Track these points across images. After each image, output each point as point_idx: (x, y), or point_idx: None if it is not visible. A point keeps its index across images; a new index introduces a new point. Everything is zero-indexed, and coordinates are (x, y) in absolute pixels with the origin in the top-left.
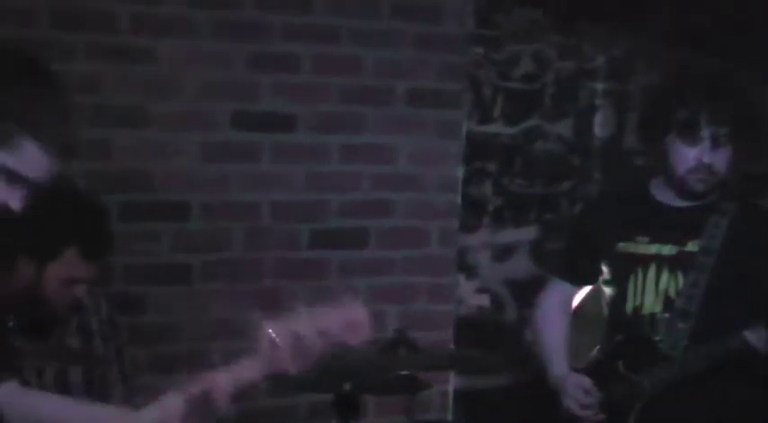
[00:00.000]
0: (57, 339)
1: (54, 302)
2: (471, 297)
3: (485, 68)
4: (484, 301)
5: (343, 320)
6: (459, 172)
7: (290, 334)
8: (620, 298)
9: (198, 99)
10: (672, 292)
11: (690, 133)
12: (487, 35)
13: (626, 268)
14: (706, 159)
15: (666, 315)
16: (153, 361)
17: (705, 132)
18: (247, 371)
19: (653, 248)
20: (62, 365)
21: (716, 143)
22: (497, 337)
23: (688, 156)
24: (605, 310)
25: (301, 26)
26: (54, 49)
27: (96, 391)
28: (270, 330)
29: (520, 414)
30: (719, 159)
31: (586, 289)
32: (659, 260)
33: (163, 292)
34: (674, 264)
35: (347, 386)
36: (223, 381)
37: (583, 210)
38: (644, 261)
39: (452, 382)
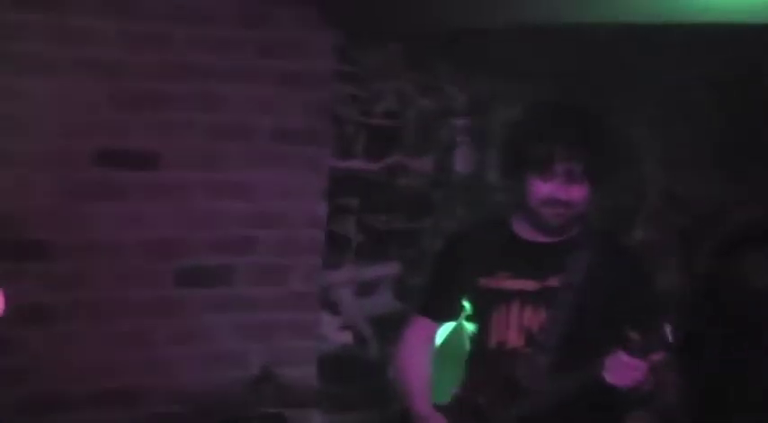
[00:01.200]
0: None
1: None
2: (334, 334)
3: (347, 105)
4: (347, 337)
5: None
6: (323, 208)
7: None
8: (483, 333)
9: (60, 137)
10: (534, 327)
11: (544, 168)
12: (349, 72)
13: (489, 304)
14: (561, 195)
15: (528, 350)
16: (17, 403)
17: (559, 168)
18: None
19: (516, 284)
20: None
21: (570, 178)
22: (361, 374)
23: (542, 190)
24: (467, 346)
25: (164, 63)
26: None
27: None
28: None
29: None
30: (575, 195)
31: (449, 325)
32: (522, 296)
33: (26, 333)
34: (537, 299)
35: None
36: None
37: (444, 245)
38: (507, 296)
39: (316, 420)
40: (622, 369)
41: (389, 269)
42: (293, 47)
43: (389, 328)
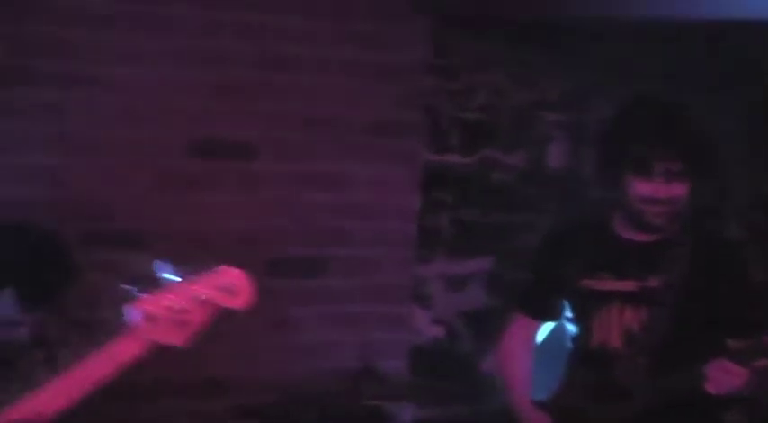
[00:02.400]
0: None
1: None
2: (427, 327)
3: (441, 98)
4: (439, 331)
5: (220, 285)
6: (416, 201)
7: (165, 305)
8: (584, 335)
9: (158, 127)
10: (635, 328)
11: (643, 169)
12: (444, 65)
13: (589, 305)
14: (661, 194)
15: (628, 350)
16: (108, 391)
17: (659, 168)
18: (126, 348)
19: (615, 285)
20: None
21: (670, 178)
22: (452, 368)
23: (643, 190)
24: (568, 345)
25: (259, 54)
26: (14, 75)
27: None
28: (145, 303)
29: None
30: (675, 194)
31: (550, 324)
32: (622, 296)
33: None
34: (637, 299)
35: (310, 417)
36: (101, 362)
37: (544, 243)
38: (607, 298)
39: (409, 412)
40: (723, 376)
41: (481, 264)
42: (387, 39)
43: (481, 323)
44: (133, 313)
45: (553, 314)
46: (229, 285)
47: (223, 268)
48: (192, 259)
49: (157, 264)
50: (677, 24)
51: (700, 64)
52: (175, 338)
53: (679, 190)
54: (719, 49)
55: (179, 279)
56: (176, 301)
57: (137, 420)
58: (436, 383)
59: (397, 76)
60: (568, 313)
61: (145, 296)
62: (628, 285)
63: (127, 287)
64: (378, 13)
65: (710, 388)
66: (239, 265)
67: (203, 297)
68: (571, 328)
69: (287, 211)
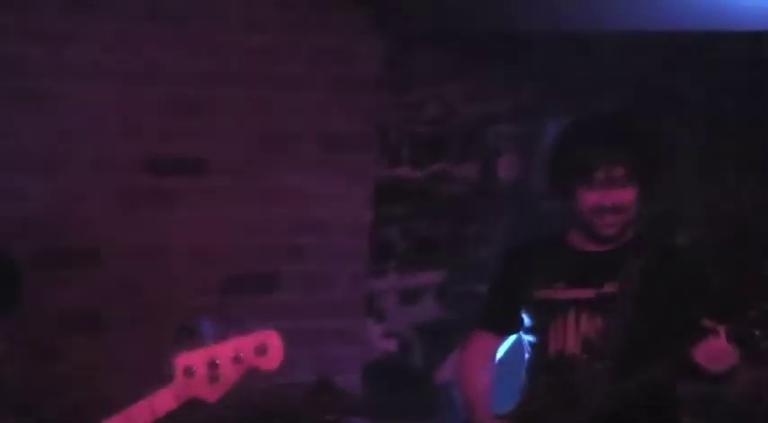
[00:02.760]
0: None
1: None
2: (379, 341)
3: (392, 112)
4: (391, 345)
5: (256, 346)
6: (368, 215)
7: (204, 362)
8: (542, 344)
9: (111, 143)
10: (592, 335)
11: (586, 177)
12: (396, 79)
13: (546, 315)
14: (607, 202)
15: (585, 357)
16: (67, 410)
17: (600, 174)
18: (164, 400)
19: (572, 293)
20: None
21: (612, 184)
22: (405, 382)
23: (589, 200)
24: (526, 356)
25: (213, 70)
26: None
27: None
28: (184, 358)
29: None
30: (621, 200)
31: (511, 338)
32: (578, 304)
33: (76, 340)
34: (594, 306)
35: None
36: (142, 413)
37: (501, 261)
38: (563, 306)
39: None
40: (717, 356)
41: (434, 277)
42: (340, 53)
43: (434, 336)
44: (176, 366)
45: (513, 328)
46: (264, 346)
47: (260, 330)
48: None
49: (201, 320)
50: (631, 38)
51: (655, 77)
52: (209, 395)
53: (625, 196)
54: (674, 62)
55: (218, 337)
56: (215, 358)
57: None
58: (390, 397)
59: (350, 91)
60: (526, 324)
61: (186, 352)
62: (584, 293)
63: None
64: (333, 28)
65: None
66: (195, 281)
67: (239, 356)
68: (529, 338)
69: (241, 226)
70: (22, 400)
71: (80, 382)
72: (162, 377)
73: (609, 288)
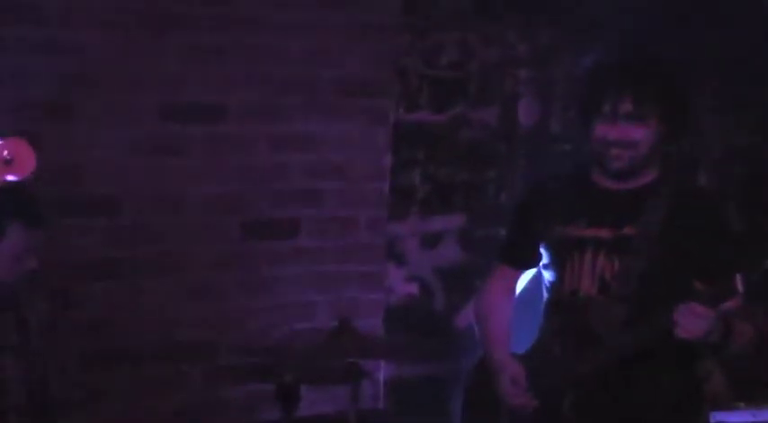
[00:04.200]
0: None
1: (9, 279)
2: (401, 285)
3: (411, 57)
4: (413, 289)
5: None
6: (388, 160)
7: None
8: (557, 281)
9: (125, 92)
10: (608, 276)
11: (596, 109)
12: (413, 23)
13: (563, 252)
14: (611, 135)
15: (602, 298)
16: (84, 356)
17: (607, 107)
18: None
19: (590, 232)
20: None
21: (618, 119)
22: (427, 325)
23: (597, 132)
24: (544, 294)
25: (227, 16)
26: None
27: (35, 386)
28: None
29: (452, 401)
30: (628, 136)
31: (529, 273)
32: (596, 244)
33: (95, 287)
34: (611, 247)
35: (288, 377)
36: None
37: (523, 194)
38: (581, 245)
39: (383, 370)
40: (690, 319)
41: (454, 221)
42: None
43: (455, 280)
44: None
45: (531, 263)
46: (9, 157)
47: (6, 140)
48: None
49: None
50: None
51: (672, 18)
52: None
53: (631, 132)
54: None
55: None
56: None
57: (123, 384)
58: (412, 341)
59: (367, 36)
60: (544, 260)
61: None
62: (603, 233)
63: None
64: None
65: (679, 332)
66: (213, 229)
67: None
68: (547, 275)
69: (259, 173)
70: (43, 347)
71: (103, 328)
72: (179, 324)
73: (628, 230)
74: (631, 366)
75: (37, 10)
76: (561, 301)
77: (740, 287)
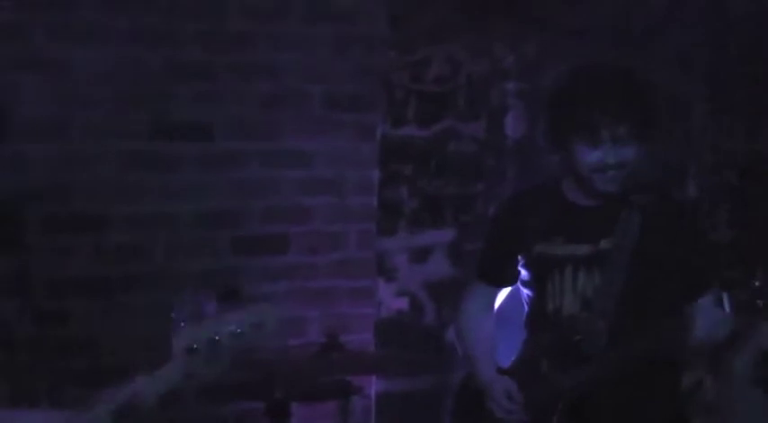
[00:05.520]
0: None
1: None
2: (391, 300)
3: (397, 71)
4: (403, 303)
5: (253, 320)
6: (376, 175)
7: (204, 338)
8: (539, 299)
9: (114, 108)
10: (589, 292)
11: (590, 136)
12: (400, 37)
13: (543, 270)
14: (610, 160)
15: (585, 314)
16: (75, 374)
17: (605, 134)
18: (167, 377)
19: (568, 249)
20: None
21: (617, 143)
22: (417, 340)
23: (591, 158)
24: (525, 309)
25: (215, 32)
26: None
27: (22, 403)
28: (185, 335)
29: (442, 417)
30: (624, 158)
31: (506, 290)
32: (575, 260)
33: (83, 306)
34: (590, 263)
35: (278, 393)
36: (145, 388)
37: (497, 211)
38: (560, 262)
39: (374, 386)
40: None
41: (443, 235)
42: (344, 12)
43: (445, 294)
44: (177, 343)
45: (509, 280)
46: (260, 320)
47: (257, 305)
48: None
49: (200, 296)
50: None
51: (660, 29)
52: (209, 372)
53: (628, 153)
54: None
55: (217, 313)
56: (215, 334)
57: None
58: (402, 356)
59: (353, 50)
60: (523, 277)
61: (186, 328)
62: (581, 249)
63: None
64: None
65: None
66: (203, 246)
67: (238, 331)
68: (526, 291)
69: (248, 189)
70: (31, 366)
71: (87, 348)
72: (169, 346)
73: (605, 244)
74: (619, 380)
75: (23, 27)
76: (546, 319)
77: (727, 307)
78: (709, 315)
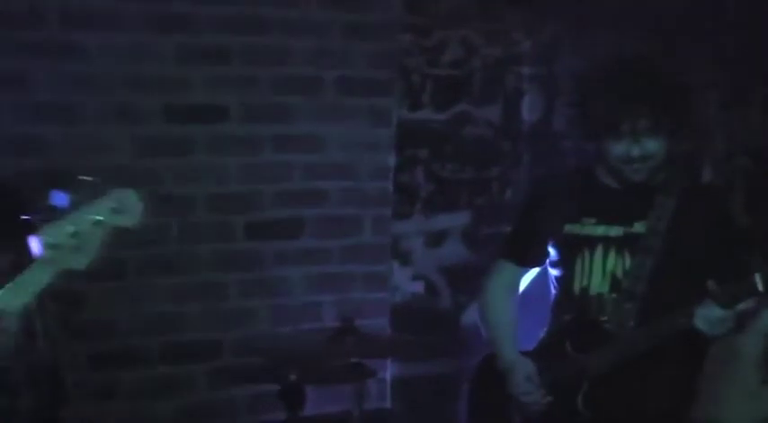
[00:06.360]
0: None
1: None
2: (406, 284)
3: (413, 55)
4: (418, 287)
5: (112, 206)
6: (391, 159)
7: (63, 233)
8: (567, 279)
9: (128, 93)
10: (619, 273)
11: (612, 129)
12: (415, 22)
13: (573, 250)
14: (634, 153)
15: (613, 295)
16: (91, 357)
17: (626, 127)
18: (32, 280)
19: (599, 230)
20: (2, 362)
21: (639, 136)
22: (432, 324)
23: (616, 150)
24: (552, 292)
25: (229, 17)
26: None
27: (43, 388)
28: (46, 233)
29: (458, 400)
30: (648, 150)
31: (534, 271)
32: (606, 241)
33: (99, 289)
34: (621, 245)
35: (293, 376)
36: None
37: (530, 192)
38: (591, 242)
39: (389, 370)
40: (713, 320)
41: (459, 219)
42: None
43: (460, 278)
44: (37, 244)
45: (538, 260)
46: (120, 205)
47: (114, 191)
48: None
49: (54, 194)
50: None
51: (676, 13)
52: (77, 263)
53: (652, 146)
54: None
55: (75, 206)
56: (75, 227)
57: (128, 385)
58: (417, 340)
59: (369, 35)
60: (552, 257)
61: (46, 226)
62: (613, 231)
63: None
64: None
65: (701, 327)
66: (217, 229)
67: (97, 219)
68: (555, 272)
69: (263, 173)
70: (51, 349)
71: (107, 329)
72: (183, 324)
73: (638, 227)
74: (644, 362)
75: (37, 12)
76: (571, 299)
77: (760, 287)
78: (709, 313)
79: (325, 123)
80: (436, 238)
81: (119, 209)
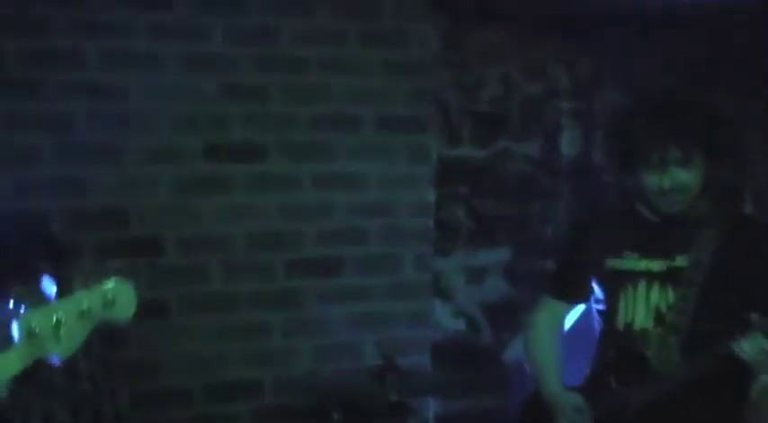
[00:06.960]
0: (41, 380)
1: None
2: (447, 321)
3: (452, 92)
4: (460, 324)
5: (104, 299)
6: (432, 196)
7: (45, 321)
8: (611, 314)
9: (169, 132)
10: (662, 307)
11: (643, 160)
12: (454, 59)
13: (616, 285)
14: (666, 184)
15: (658, 330)
16: (134, 397)
17: (654, 158)
18: (7, 364)
19: (642, 264)
20: (46, 404)
21: (668, 167)
22: (474, 361)
23: (648, 181)
24: (597, 327)
25: (270, 57)
26: (24, 86)
27: None
28: (27, 319)
29: None
30: (679, 181)
31: (579, 307)
32: (649, 276)
33: (142, 328)
34: (664, 279)
35: (335, 416)
36: None
37: (573, 228)
38: (633, 277)
39: (431, 408)
40: (758, 351)
41: (500, 255)
42: (396, 35)
43: (501, 314)
44: (17, 330)
45: (582, 296)
46: (111, 298)
47: (110, 282)
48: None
49: (44, 279)
50: (690, 11)
51: (714, 49)
52: (54, 354)
53: (683, 177)
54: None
55: (62, 293)
56: (58, 317)
57: None
58: (459, 377)
59: (407, 72)
60: (597, 294)
61: (28, 313)
62: (655, 265)
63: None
64: (389, 11)
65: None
66: (258, 267)
67: (84, 311)
68: (599, 308)
69: (303, 211)
70: (99, 388)
71: (150, 369)
72: (226, 364)
73: (681, 261)
74: (689, 395)
75: (78, 54)
76: (616, 334)
77: None
78: (754, 344)
79: (365, 161)
80: (477, 275)
81: (111, 302)
